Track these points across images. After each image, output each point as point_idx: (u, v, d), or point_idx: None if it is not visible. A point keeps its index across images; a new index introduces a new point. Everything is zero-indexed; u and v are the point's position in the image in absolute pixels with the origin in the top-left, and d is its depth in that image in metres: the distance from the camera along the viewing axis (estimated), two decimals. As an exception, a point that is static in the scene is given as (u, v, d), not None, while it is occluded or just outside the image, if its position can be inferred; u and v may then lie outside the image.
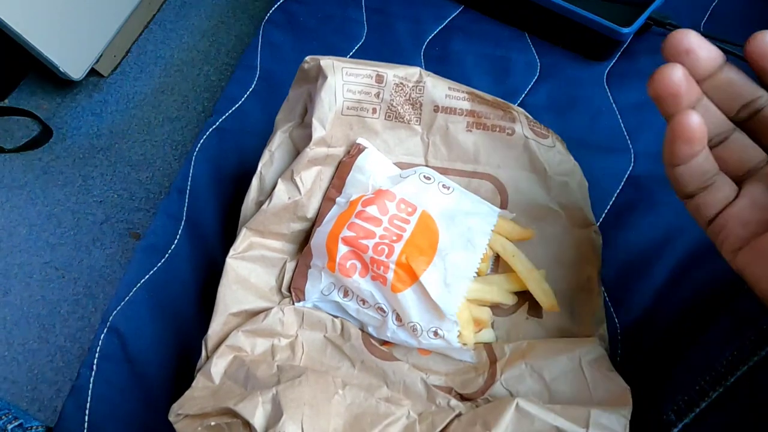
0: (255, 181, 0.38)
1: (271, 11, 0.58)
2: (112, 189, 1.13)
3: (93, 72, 1.20)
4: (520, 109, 0.39)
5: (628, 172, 0.46)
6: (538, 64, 0.53)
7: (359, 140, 0.38)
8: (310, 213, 0.37)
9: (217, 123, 0.51)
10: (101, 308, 1.01)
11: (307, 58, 0.37)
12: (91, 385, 0.40)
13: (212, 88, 1.26)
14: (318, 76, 0.36)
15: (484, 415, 0.28)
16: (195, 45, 1.32)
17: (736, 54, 0.50)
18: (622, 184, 0.45)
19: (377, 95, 0.37)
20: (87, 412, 0.39)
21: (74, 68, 1.12)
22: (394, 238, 0.34)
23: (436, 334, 0.33)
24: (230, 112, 0.51)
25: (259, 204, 0.37)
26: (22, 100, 1.23)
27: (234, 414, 0.27)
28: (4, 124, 1.19)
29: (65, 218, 1.09)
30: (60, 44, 1.08)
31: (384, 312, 0.34)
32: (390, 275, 0.33)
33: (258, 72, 0.54)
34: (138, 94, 1.25)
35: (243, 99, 0.52)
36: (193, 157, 0.49)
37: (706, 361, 0.30)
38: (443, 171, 0.39)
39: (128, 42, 1.30)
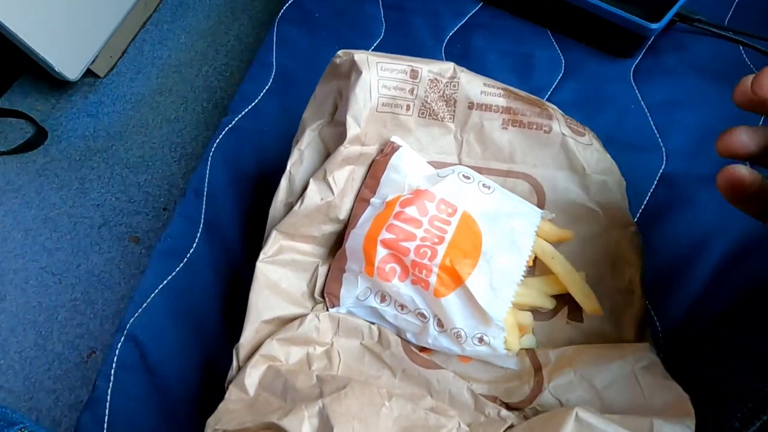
0: (284, 182, 0.36)
1: (284, 7, 0.56)
2: (109, 192, 1.10)
3: (89, 73, 1.17)
4: (554, 106, 0.38)
5: (661, 171, 0.45)
6: (563, 61, 0.52)
7: (393, 138, 0.36)
8: (343, 214, 0.35)
9: (233, 122, 0.49)
10: (100, 314, 0.98)
11: (340, 52, 0.35)
12: (108, 397, 0.38)
13: (211, 89, 1.24)
14: (351, 71, 0.35)
15: (541, 427, 0.27)
16: (193, 45, 1.29)
17: (759, 49, 0.49)
18: (655, 183, 0.44)
19: (411, 91, 0.36)
20: (105, 425, 0.37)
21: (70, 68, 1.09)
22: (436, 240, 0.32)
23: (481, 340, 0.31)
24: (246, 110, 0.50)
25: (289, 205, 0.35)
26: (15, 101, 1.19)
27: (278, 429, 0.26)
28: (-3, 126, 1.16)
29: (62, 222, 1.06)
30: (55, 44, 1.05)
31: (425, 318, 0.32)
32: (433, 279, 0.31)
33: (274, 69, 0.52)
34: (135, 95, 1.22)
35: (259, 97, 0.50)
36: (210, 157, 0.47)
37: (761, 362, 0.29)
38: (478, 170, 0.38)
39: (125, 42, 1.27)
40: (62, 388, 0.92)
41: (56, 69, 1.06)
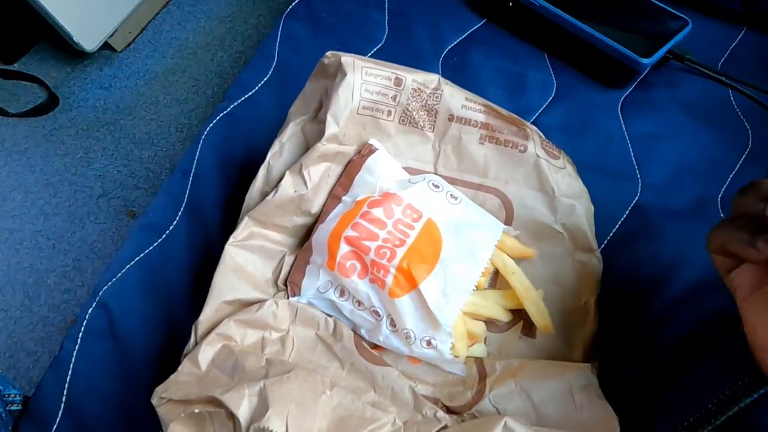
0: (262, 171, 0.37)
1: (293, 3, 0.58)
2: (112, 164, 1.12)
3: (106, 45, 1.20)
4: (534, 128, 0.39)
5: (635, 201, 0.46)
6: (555, 84, 0.53)
7: (371, 141, 0.37)
8: (315, 208, 0.37)
9: (229, 108, 0.50)
10: (89, 283, 1.00)
11: (328, 53, 0.37)
12: (73, 359, 0.39)
13: (224, 74, 1.26)
14: (337, 72, 0.36)
15: (471, 431, 0.28)
16: (211, 30, 1.31)
17: (747, 94, 0.50)
18: (627, 212, 0.45)
19: (394, 98, 0.37)
20: (66, 385, 0.38)
21: (88, 40, 1.12)
22: (397, 242, 0.33)
23: (429, 343, 0.32)
24: (243, 99, 0.51)
25: (264, 194, 0.37)
26: (32, 65, 1.22)
27: (219, 403, 0.27)
28: (11, 88, 1.18)
29: (62, 189, 1.09)
30: (76, 14, 1.07)
31: (379, 316, 0.34)
32: (389, 279, 0.32)
33: (275, 62, 0.54)
34: (149, 73, 1.24)
35: (257, 87, 0.52)
36: (201, 140, 0.48)
37: (696, 398, 0.30)
38: (451, 180, 0.39)
39: (145, 20, 1.29)
40: (43, 351, 0.94)
41: (75, 39, 1.09)
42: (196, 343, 0.33)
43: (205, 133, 0.49)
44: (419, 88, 0.37)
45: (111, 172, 1.11)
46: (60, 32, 1.07)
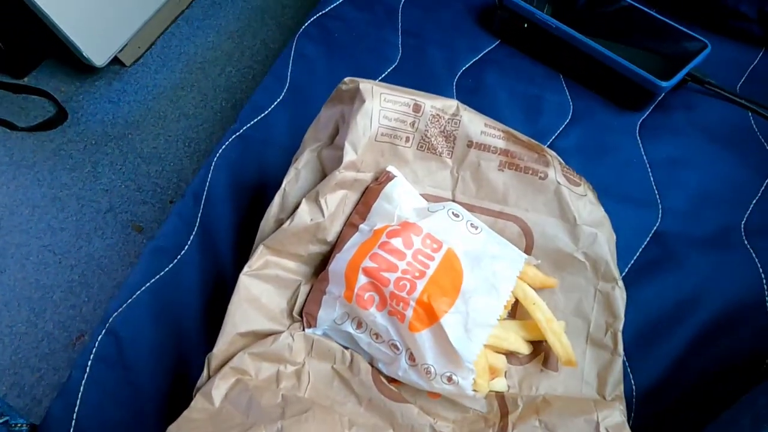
0: (278, 198, 0.37)
1: (306, 24, 0.58)
2: (120, 179, 1.12)
3: (115, 60, 1.20)
4: (554, 154, 0.39)
5: (655, 228, 0.45)
6: (571, 106, 0.52)
7: (389, 168, 0.37)
8: (331, 237, 0.36)
9: (241, 131, 0.50)
10: (94, 299, 0.99)
11: (346, 79, 0.36)
12: (82, 388, 0.38)
13: (232, 89, 1.26)
14: (355, 98, 0.36)
15: (496, 475, 0.27)
16: (220, 45, 1.32)
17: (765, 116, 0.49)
18: (648, 239, 0.44)
19: (412, 124, 0.37)
20: (75, 416, 0.37)
21: (97, 55, 1.12)
22: (417, 274, 0.32)
23: (450, 379, 0.31)
24: (255, 121, 0.51)
25: (280, 222, 0.36)
26: (41, 80, 1.22)
27: (234, 445, 0.26)
28: (21, 102, 1.18)
29: (69, 203, 1.08)
30: (86, 30, 1.08)
31: (397, 349, 0.33)
32: (409, 313, 0.31)
33: (288, 83, 0.53)
34: (157, 87, 1.24)
35: (269, 109, 0.51)
36: (213, 163, 0.48)
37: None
38: (470, 208, 0.38)
39: (154, 35, 1.30)
40: (47, 368, 0.93)
41: (84, 54, 1.09)
42: (209, 377, 0.32)
43: (217, 155, 0.48)
44: (438, 114, 0.37)
45: (118, 187, 1.10)
46: (70, 47, 1.08)
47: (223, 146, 0.49)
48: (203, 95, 1.24)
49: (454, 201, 0.38)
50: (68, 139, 1.15)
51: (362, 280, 0.33)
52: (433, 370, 0.32)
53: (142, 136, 1.17)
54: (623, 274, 0.43)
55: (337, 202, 0.35)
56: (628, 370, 0.39)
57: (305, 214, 0.35)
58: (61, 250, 1.03)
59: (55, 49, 1.20)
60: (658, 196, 0.46)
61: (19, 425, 0.38)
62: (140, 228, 1.06)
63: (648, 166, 0.48)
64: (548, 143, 0.49)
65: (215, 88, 1.25)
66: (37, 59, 1.22)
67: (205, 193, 0.46)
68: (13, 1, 0.97)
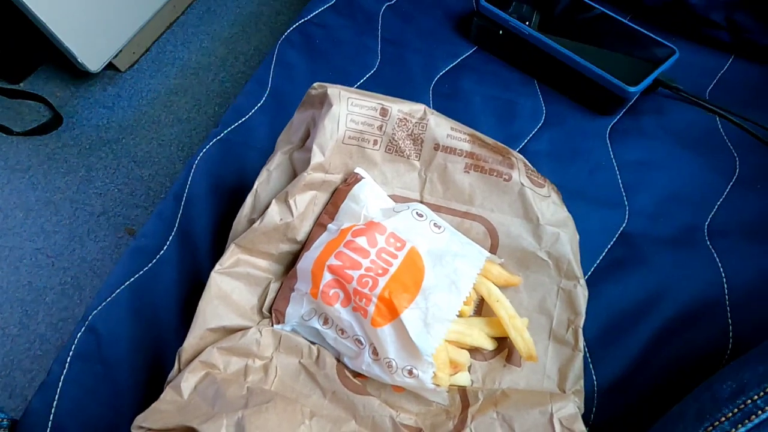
0: (250, 199, 0.38)
1: (289, 30, 0.59)
2: (113, 183, 1.13)
3: (110, 66, 1.22)
4: (520, 156, 0.40)
5: (621, 229, 0.46)
6: (544, 111, 0.53)
7: (357, 170, 0.38)
8: (300, 236, 0.37)
9: (222, 134, 0.51)
10: (87, 301, 1.00)
11: (315, 84, 0.38)
12: (60, 383, 0.39)
13: (225, 95, 1.28)
14: (323, 102, 0.37)
15: (448, 463, 0.28)
16: (214, 51, 1.34)
17: (734, 121, 0.50)
18: (614, 239, 0.45)
19: (380, 128, 0.38)
20: (53, 410, 0.38)
21: (92, 60, 1.14)
22: (380, 271, 0.34)
23: (410, 373, 0.33)
24: (236, 124, 0.52)
25: (252, 221, 0.37)
26: (37, 85, 1.24)
27: (197, 433, 0.27)
28: (17, 107, 1.20)
29: (63, 207, 1.10)
30: (81, 36, 1.10)
31: (361, 344, 0.34)
32: (371, 308, 0.33)
33: (269, 88, 0.55)
34: (151, 92, 1.26)
35: (250, 113, 0.53)
36: (194, 165, 0.49)
37: (695, 424, 0.29)
38: (437, 208, 0.40)
39: (149, 40, 1.32)
40: (39, 369, 0.94)
41: (79, 60, 1.11)
42: (180, 371, 0.33)
43: (198, 158, 0.49)
44: (405, 118, 0.38)
45: (112, 191, 1.12)
46: (65, 53, 1.09)
47: (205, 149, 0.50)
48: (197, 100, 1.26)
49: (422, 202, 0.40)
50: (63, 144, 1.17)
51: (327, 277, 0.34)
52: (394, 364, 0.33)
53: (136, 140, 1.19)
54: (590, 273, 0.44)
55: (306, 202, 0.37)
56: (590, 367, 0.40)
57: (275, 214, 0.36)
58: (54, 253, 1.04)
59: (50, 55, 1.22)
60: (625, 198, 0.48)
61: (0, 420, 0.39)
62: (133, 231, 1.08)
63: (617, 168, 0.49)
64: (521, 147, 0.51)
65: (209, 93, 1.27)
66: (32, 65, 1.24)
67: (185, 195, 0.47)
68: (8, 7, 0.98)
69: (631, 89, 0.49)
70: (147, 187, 1.14)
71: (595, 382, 0.39)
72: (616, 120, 0.53)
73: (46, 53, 1.22)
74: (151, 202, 1.12)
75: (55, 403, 0.39)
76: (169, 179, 1.15)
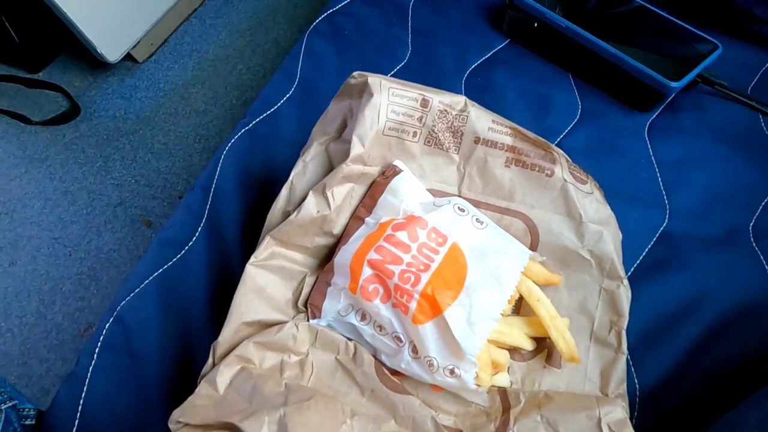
0: (285, 190, 0.37)
1: (317, 20, 0.58)
2: (130, 174, 1.13)
3: (128, 57, 1.22)
4: (561, 152, 0.39)
5: (662, 228, 0.44)
6: (580, 106, 0.52)
7: (396, 162, 0.37)
8: (337, 229, 0.36)
9: (250, 125, 0.50)
10: (103, 291, 1.00)
11: (355, 73, 0.37)
12: (89, 375, 0.39)
13: (243, 87, 1.27)
14: (363, 92, 0.36)
15: (496, 467, 0.27)
16: (231, 43, 1.33)
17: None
18: (655, 239, 0.44)
19: (420, 119, 0.37)
20: (81, 402, 0.38)
21: (111, 51, 1.13)
22: (422, 267, 0.33)
23: (452, 372, 0.31)
24: (264, 115, 0.51)
25: (286, 214, 0.36)
26: (55, 75, 1.24)
27: (237, 430, 0.26)
28: (35, 97, 1.20)
29: (80, 197, 1.10)
30: (100, 26, 1.09)
31: (401, 342, 0.33)
32: (413, 305, 0.32)
33: (297, 79, 0.54)
34: (169, 84, 1.25)
35: (279, 104, 0.52)
36: (222, 156, 0.48)
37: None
38: (476, 204, 0.38)
39: (167, 32, 1.31)
40: (55, 358, 0.94)
41: (98, 50, 1.10)
42: (214, 365, 0.32)
43: (226, 149, 0.49)
44: (445, 110, 0.37)
45: (129, 182, 1.12)
46: (84, 43, 1.09)
47: (232, 140, 0.49)
48: (214, 92, 1.25)
49: (460, 196, 0.39)
50: (80, 134, 1.17)
51: (367, 272, 0.33)
52: (435, 362, 0.32)
53: (153, 131, 1.18)
54: (629, 273, 0.42)
55: (343, 194, 0.36)
56: (632, 369, 0.39)
57: (312, 206, 0.35)
58: (71, 243, 1.04)
59: (69, 45, 1.21)
60: (665, 197, 0.46)
61: (27, 410, 0.39)
62: (149, 222, 1.07)
63: (656, 166, 0.48)
64: (556, 142, 0.49)
65: (226, 85, 1.26)
66: (51, 54, 1.23)
67: (213, 186, 0.46)
68: (29, -3, 0.98)
69: (674, 84, 0.48)
70: (164, 178, 1.13)
71: (637, 387, 0.38)
72: (654, 116, 0.51)
73: (65, 43, 1.22)
74: (167, 194, 1.11)
75: (83, 394, 0.38)
76: (186, 171, 1.14)
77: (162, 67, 1.28)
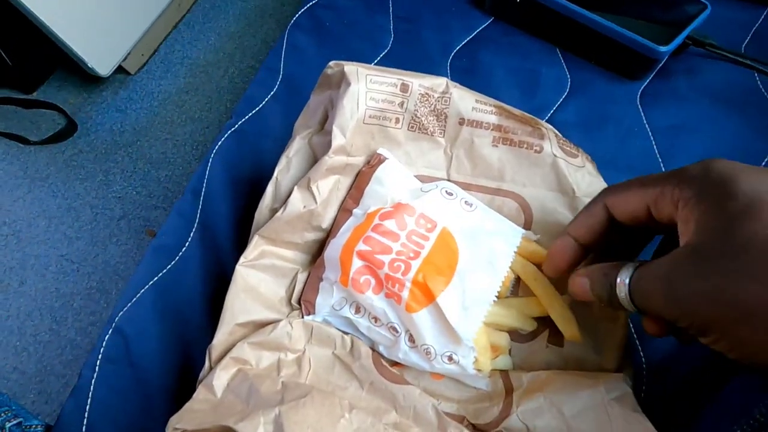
0: (270, 188, 0.37)
1: (297, 15, 0.57)
2: (131, 185, 1.13)
3: (120, 69, 1.22)
4: (550, 126, 0.38)
5: (660, 197, 0.43)
6: (569, 79, 0.51)
7: (380, 150, 0.36)
8: (326, 223, 0.36)
9: (237, 125, 0.50)
10: (113, 304, 1.00)
11: (331, 63, 0.36)
12: (92, 387, 0.39)
13: (235, 90, 1.27)
14: (341, 82, 0.35)
15: (499, 451, 0.27)
16: (221, 47, 1.33)
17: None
18: (653, 209, 0.43)
19: (401, 105, 0.36)
20: (86, 414, 0.38)
21: (102, 65, 1.14)
22: (412, 254, 0.32)
23: (450, 359, 0.31)
24: (250, 114, 0.51)
25: (274, 211, 0.36)
26: (49, 93, 1.24)
27: (233, 433, 0.26)
28: (32, 117, 1.21)
29: (84, 212, 1.10)
30: (89, 41, 1.09)
31: (397, 332, 0.32)
32: (405, 294, 0.31)
33: (281, 75, 0.53)
34: (163, 93, 1.26)
35: (264, 102, 0.51)
36: (210, 159, 0.48)
37: (742, 407, 0.28)
38: (466, 186, 0.38)
39: (156, 41, 1.31)
40: (72, 374, 0.95)
41: (89, 65, 1.11)
42: (211, 368, 0.32)
43: (214, 151, 0.48)
44: (427, 93, 0.36)
45: (130, 194, 1.12)
46: (75, 59, 1.09)
47: (219, 142, 0.49)
48: (208, 98, 1.25)
49: (449, 180, 0.38)
50: (79, 150, 1.17)
51: (357, 263, 0.32)
52: (433, 350, 0.31)
53: (150, 142, 1.18)
54: (629, 245, 0.41)
55: (329, 187, 0.35)
56: (637, 344, 0.38)
57: (298, 201, 0.34)
58: (78, 259, 1.05)
59: (61, 63, 1.22)
60: (662, 165, 0.45)
61: (33, 426, 0.39)
62: (153, 232, 1.08)
63: (651, 134, 0.47)
64: (547, 117, 0.48)
65: (219, 90, 1.26)
66: (44, 73, 1.24)
67: (203, 189, 0.46)
68: (18, 18, 0.98)
69: (662, 49, 0.46)
70: (164, 187, 1.14)
71: (643, 360, 0.37)
72: (646, 83, 0.50)
73: (57, 61, 1.22)
74: (169, 202, 1.12)
75: (87, 407, 0.38)
76: (185, 178, 1.15)
77: (154, 77, 1.28)
